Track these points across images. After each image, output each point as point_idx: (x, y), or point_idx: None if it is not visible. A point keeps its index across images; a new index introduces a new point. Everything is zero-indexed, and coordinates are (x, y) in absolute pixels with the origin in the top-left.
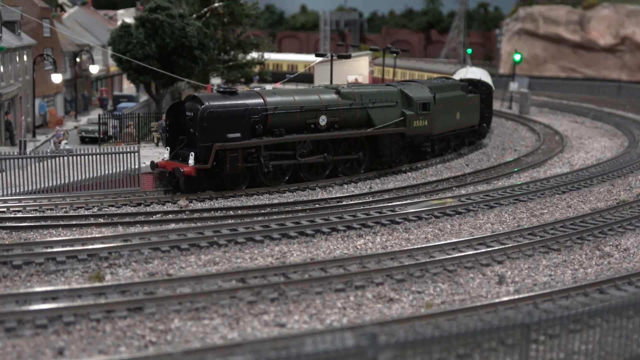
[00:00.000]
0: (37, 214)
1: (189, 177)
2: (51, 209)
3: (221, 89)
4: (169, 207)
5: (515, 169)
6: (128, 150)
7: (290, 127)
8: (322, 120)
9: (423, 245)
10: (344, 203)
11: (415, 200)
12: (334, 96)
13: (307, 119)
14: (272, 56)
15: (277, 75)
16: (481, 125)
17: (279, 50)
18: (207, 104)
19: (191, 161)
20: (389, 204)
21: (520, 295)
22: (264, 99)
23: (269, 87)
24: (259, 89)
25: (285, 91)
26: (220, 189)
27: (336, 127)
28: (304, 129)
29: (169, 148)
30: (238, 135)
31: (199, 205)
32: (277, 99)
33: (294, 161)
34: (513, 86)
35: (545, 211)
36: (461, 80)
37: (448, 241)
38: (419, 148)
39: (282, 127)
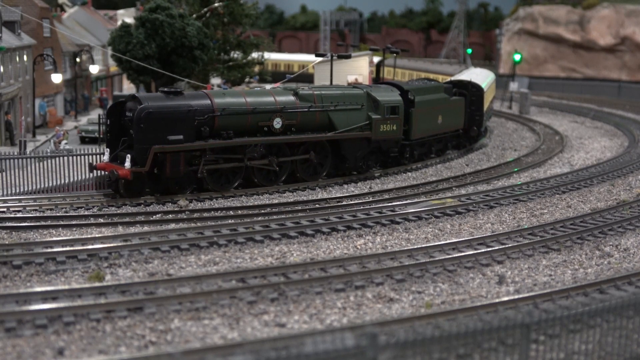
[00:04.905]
0: (37, 214)
1: (129, 180)
2: (51, 209)
3: (165, 89)
4: (169, 207)
5: (515, 169)
6: None
7: (241, 130)
8: (277, 123)
9: (423, 245)
10: (344, 203)
11: (415, 200)
12: (291, 98)
13: (260, 122)
14: (282, 57)
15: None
16: (471, 129)
17: (279, 50)
18: (145, 104)
19: (127, 163)
20: (389, 204)
21: (520, 295)
22: (211, 100)
23: (268, 87)
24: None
25: (236, 92)
26: (165, 193)
27: (293, 131)
28: (256, 132)
29: (108, 149)
30: (180, 137)
31: (199, 205)
32: (226, 100)
33: (233, 164)
34: (513, 86)
35: (545, 211)
36: (449, 81)
37: (448, 241)
38: (388, 153)
39: (231, 130)
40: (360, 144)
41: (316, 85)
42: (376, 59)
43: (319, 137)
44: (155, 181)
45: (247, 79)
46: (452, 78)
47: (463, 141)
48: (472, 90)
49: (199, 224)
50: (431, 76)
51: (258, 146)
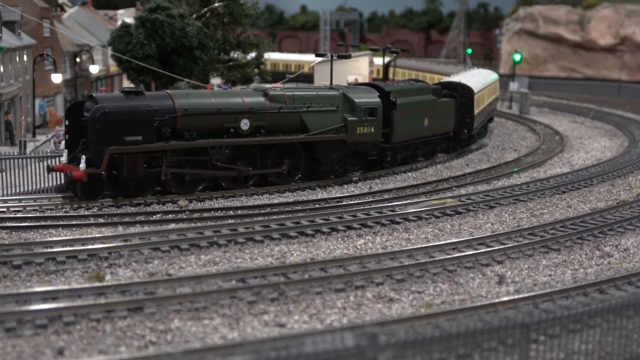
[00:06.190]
0: (37, 214)
1: (86, 182)
2: (51, 209)
3: (125, 89)
4: (169, 207)
5: (515, 169)
6: None
7: (206, 131)
8: (244, 124)
9: (423, 245)
10: (344, 203)
11: (415, 200)
12: (260, 99)
13: (226, 123)
14: (293, 57)
15: (305, 76)
16: (461, 132)
17: (279, 50)
18: (101, 104)
19: (82, 165)
20: (389, 204)
21: (520, 295)
22: (173, 101)
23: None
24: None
25: (201, 93)
26: (127, 196)
27: (263, 133)
28: (223, 134)
29: (66, 150)
30: (139, 138)
31: (199, 205)
32: (189, 100)
33: (198, 168)
34: (513, 86)
35: (545, 211)
36: (439, 83)
37: (448, 241)
38: (366, 156)
39: (194, 131)
40: (335, 147)
41: (289, 86)
42: (378, 60)
43: (288, 139)
44: (115, 183)
45: (257, 80)
46: (443, 80)
47: (454, 144)
48: (462, 92)
49: (199, 224)
50: (436, 77)
51: (223, 148)
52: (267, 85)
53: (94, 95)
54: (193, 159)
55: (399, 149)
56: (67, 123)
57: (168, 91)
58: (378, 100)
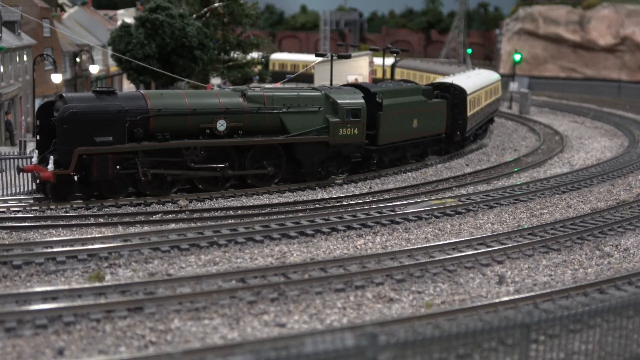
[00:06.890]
0: (37, 214)
1: (55, 183)
2: (51, 209)
3: (97, 89)
4: (169, 207)
5: (515, 169)
6: None
7: (180, 132)
8: (221, 125)
9: (423, 245)
10: (344, 203)
11: (415, 200)
12: (237, 99)
13: (202, 124)
14: (304, 57)
15: (307, 76)
16: (454, 134)
17: (280, 50)
18: (70, 104)
19: (50, 166)
20: (389, 204)
21: (520, 295)
22: (146, 101)
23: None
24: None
25: (177, 93)
26: (99, 198)
27: (240, 134)
28: (199, 135)
29: (37, 151)
30: (109, 139)
31: (199, 205)
32: (163, 101)
33: (179, 171)
34: (513, 86)
35: (545, 211)
36: (431, 84)
37: (448, 241)
38: (350, 159)
39: (168, 132)
40: (317, 149)
41: (269, 87)
42: (379, 60)
43: (266, 141)
44: (87, 184)
45: (267, 80)
46: (434, 81)
47: (446, 146)
48: (454, 93)
49: (199, 224)
50: (439, 78)
51: (198, 149)
52: (268, 86)
53: (63, 95)
54: (167, 160)
55: (386, 151)
56: (38, 123)
57: (142, 91)
58: (362, 101)
